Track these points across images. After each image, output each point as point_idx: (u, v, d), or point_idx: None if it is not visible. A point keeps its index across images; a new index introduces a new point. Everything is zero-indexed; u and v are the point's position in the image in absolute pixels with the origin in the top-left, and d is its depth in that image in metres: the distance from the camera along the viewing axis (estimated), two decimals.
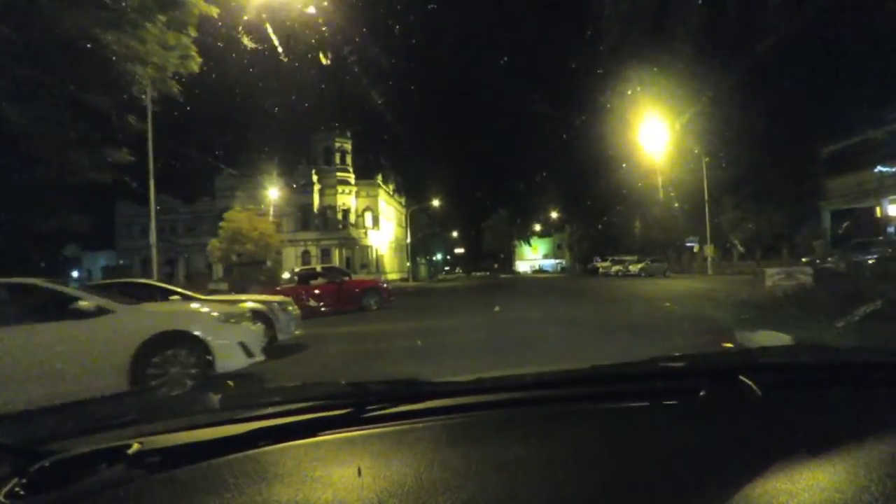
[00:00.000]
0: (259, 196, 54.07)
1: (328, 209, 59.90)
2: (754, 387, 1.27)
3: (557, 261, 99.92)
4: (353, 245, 59.15)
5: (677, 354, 1.77)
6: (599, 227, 61.88)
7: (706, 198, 36.96)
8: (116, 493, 0.98)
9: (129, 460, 1.06)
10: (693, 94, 36.10)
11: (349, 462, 1.05)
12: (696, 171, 39.89)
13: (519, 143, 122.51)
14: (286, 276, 17.06)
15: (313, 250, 58.34)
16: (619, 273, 42.15)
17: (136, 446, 1.08)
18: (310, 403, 1.31)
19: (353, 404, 1.28)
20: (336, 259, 58.27)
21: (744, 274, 33.06)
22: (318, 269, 18.81)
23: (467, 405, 1.30)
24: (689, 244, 41.57)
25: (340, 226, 59.83)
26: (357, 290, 16.09)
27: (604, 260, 51.40)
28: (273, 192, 52.36)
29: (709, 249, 41.79)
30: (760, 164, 36.87)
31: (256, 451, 1.10)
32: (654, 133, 38.74)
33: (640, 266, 41.02)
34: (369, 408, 1.26)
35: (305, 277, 16.46)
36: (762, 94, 34.42)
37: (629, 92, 39.11)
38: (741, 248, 41.41)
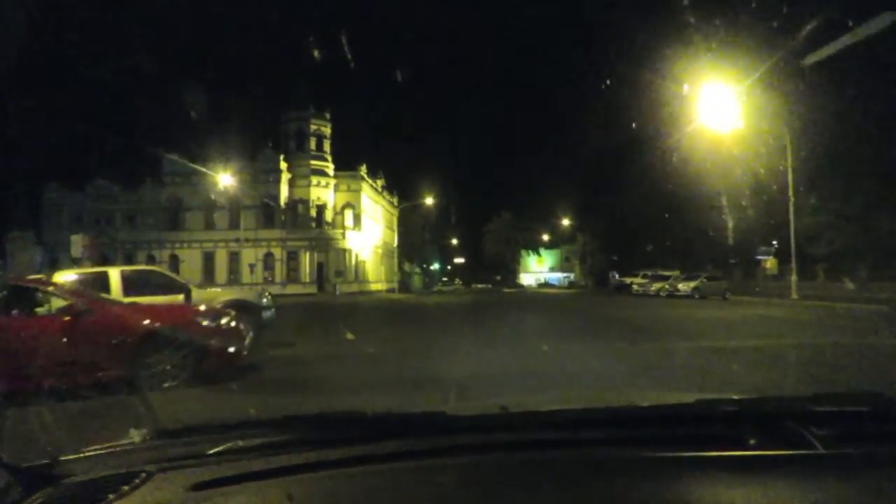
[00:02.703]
0: (215, 182, 44.12)
1: (299, 203, 49.79)
2: (813, 439, 1.16)
3: (565, 274, 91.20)
4: (326, 247, 48.91)
5: (724, 398, 1.64)
6: (625, 233, 51.46)
7: (790, 194, 26.73)
8: None
9: (143, 486, 1.04)
10: (769, 46, 25.67)
11: (366, 497, 1.03)
12: (761, 158, 29.89)
13: (527, 133, 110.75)
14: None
15: (277, 252, 48.17)
16: (663, 292, 31.87)
17: (150, 472, 1.08)
18: (324, 436, 1.27)
19: (369, 437, 1.23)
20: (305, 264, 48.10)
21: (838, 302, 22.98)
22: (117, 274, 8.68)
23: (494, 444, 1.21)
24: (759, 257, 31.19)
25: (313, 224, 49.67)
26: (123, 334, 5.93)
27: (632, 274, 41.02)
28: (226, 178, 42.41)
29: (769, 262, 31.55)
30: (862, 145, 26.94)
31: (270, 482, 1.06)
32: (702, 107, 28.14)
33: (692, 284, 30.79)
34: (386, 442, 1.21)
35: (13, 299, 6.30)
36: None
37: (676, 52, 28.93)
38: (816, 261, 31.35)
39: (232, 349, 6.82)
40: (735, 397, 1.65)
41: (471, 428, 1.31)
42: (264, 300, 9.61)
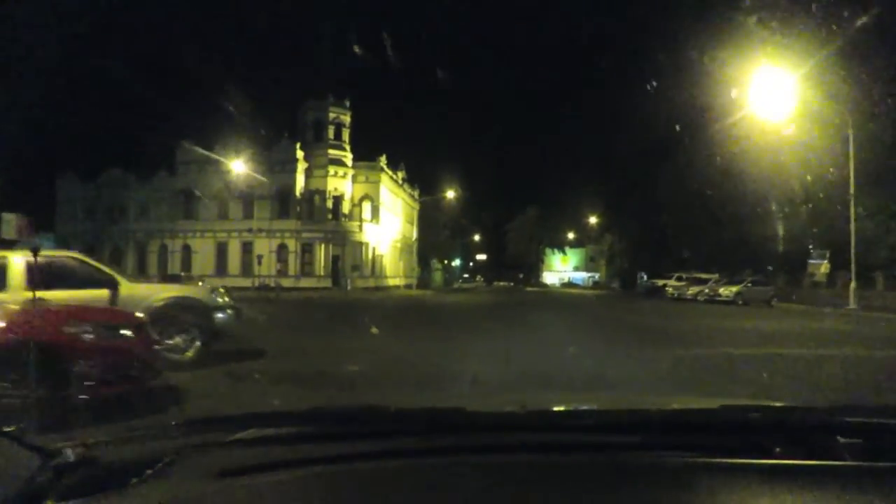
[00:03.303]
0: (229, 171, 42.52)
1: (315, 194, 47.84)
2: (842, 450, 1.13)
3: (589, 274, 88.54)
4: (342, 240, 46.97)
5: (750, 404, 1.60)
6: (657, 233, 48.51)
7: (851, 190, 23.87)
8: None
9: (170, 470, 1.06)
10: (826, 35, 22.69)
11: (385, 491, 1.03)
12: (813, 155, 27.06)
13: (556, 129, 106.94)
14: None
15: (292, 244, 46.38)
16: (702, 297, 29.23)
17: (177, 457, 1.09)
18: (348, 429, 1.27)
19: (391, 432, 1.24)
20: (320, 257, 46.27)
21: None
22: (21, 261, 6.67)
23: (517, 444, 1.21)
24: (812, 261, 28.33)
25: (329, 215, 47.71)
26: None
27: (664, 277, 38.23)
28: (240, 167, 40.73)
29: (823, 267, 28.56)
30: None
31: (293, 472, 1.06)
32: (749, 100, 25.20)
33: (735, 289, 28.07)
34: (407, 437, 1.22)
35: None
36: None
37: (718, 45, 26.08)
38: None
39: (133, 373, 4.66)
40: (761, 404, 1.61)
41: (493, 426, 1.30)
42: (219, 299, 7.48)
